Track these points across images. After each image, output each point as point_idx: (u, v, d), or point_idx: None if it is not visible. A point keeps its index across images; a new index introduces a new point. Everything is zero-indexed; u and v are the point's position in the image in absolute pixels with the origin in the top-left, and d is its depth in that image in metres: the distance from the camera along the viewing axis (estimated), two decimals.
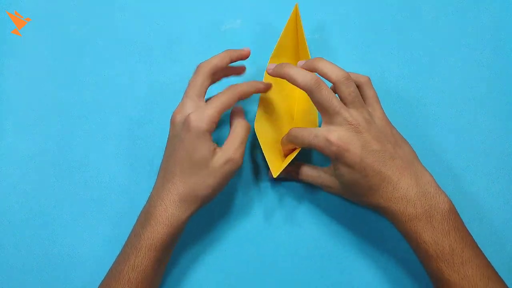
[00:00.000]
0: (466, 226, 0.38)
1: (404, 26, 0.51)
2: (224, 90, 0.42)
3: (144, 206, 0.41)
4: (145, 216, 0.40)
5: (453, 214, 0.37)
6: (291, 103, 0.49)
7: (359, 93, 0.40)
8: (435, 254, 0.36)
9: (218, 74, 0.45)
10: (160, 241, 0.38)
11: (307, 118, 0.47)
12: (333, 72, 0.40)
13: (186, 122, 0.39)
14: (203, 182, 0.40)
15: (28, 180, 0.47)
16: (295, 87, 0.40)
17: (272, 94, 0.47)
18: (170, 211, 0.39)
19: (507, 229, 0.46)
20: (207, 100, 0.42)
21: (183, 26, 0.51)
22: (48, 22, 0.51)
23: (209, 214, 0.46)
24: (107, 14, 0.52)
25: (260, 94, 0.47)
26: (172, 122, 0.42)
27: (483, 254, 0.37)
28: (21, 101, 0.49)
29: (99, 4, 0.52)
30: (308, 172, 0.44)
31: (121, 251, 0.40)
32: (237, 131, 0.42)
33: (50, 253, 0.45)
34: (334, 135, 0.38)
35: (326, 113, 0.39)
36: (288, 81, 0.41)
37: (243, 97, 0.42)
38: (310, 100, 0.40)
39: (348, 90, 0.39)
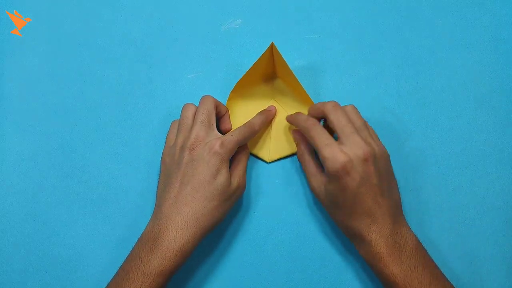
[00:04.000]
0: (434, 261, 0.40)
1: (404, 26, 0.51)
2: (242, 126, 0.44)
3: (151, 228, 0.40)
4: (155, 241, 0.38)
5: (420, 252, 0.40)
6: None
7: (367, 125, 0.43)
8: (404, 286, 0.38)
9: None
10: (170, 269, 0.38)
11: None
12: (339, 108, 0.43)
13: (214, 145, 0.41)
14: (221, 207, 0.41)
15: (28, 180, 0.47)
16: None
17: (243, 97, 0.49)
18: (185, 239, 0.39)
19: (507, 229, 0.46)
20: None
21: (183, 26, 0.51)
22: (48, 22, 0.51)
23: None
24: (107, 14, 0.52)
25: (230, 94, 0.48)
26: (187, 147, 0.41)
27: (450, 286, 0.40)
28: (21, 101, 0.49)
29: (99, 4, 0.52)
30: (308, 161, 0.44)
31: (121, 273, 0.39)
32: (242, 159, 0.45)
33: (50, 253, 0.46)
34: (343, 156, 0.39)
35: (342, 132, 0.41)
36: (316, 112, 0.44)
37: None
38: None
39: (355, 118, 0.42)
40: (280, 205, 0.47)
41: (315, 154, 0.45)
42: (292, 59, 0.50)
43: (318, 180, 0.43)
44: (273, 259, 0.46)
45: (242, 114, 0.48)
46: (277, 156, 0.48)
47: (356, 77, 0.50)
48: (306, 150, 0.45)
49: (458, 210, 0.47)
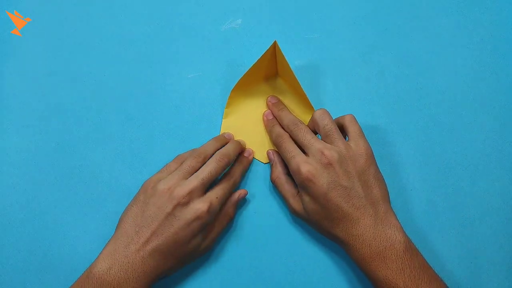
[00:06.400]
0: (426, 262, 0.39)
1: (404, 26, 0.51)
2: (224, 180, 0.44)
3: (108, 269, 0.38)
4: None
5: (409, 253, 0.38)
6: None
7: (335, 127, 0.42)
8: None
9: None
10: None
11: None
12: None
13: (200, 209, 0.40)
14: (182, 264, 0.42)
15: (28, 180, 0.47)
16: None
17: (242, 98, 0.49)
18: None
19: (507, 229, 0.46)
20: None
21: (183, 26, 0.51)
22: (48, 22, 0.51)
23: None
24: (107, 14, 0.52)
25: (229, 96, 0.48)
26: (174, 197, 0.40)
27: (443, 286, 0.39)
28: (21, 101, 0.49)
29: (99, 4, 0.52)
30: (284, 182, 0.45)
31: None
32: (222, 222, 0.44)
33: (50, 253, 0.46)
34: (306, 165, 0.40)
35: (303, 147, 0.42)
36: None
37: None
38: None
39: (323, 123, 0.42)
40: (276, 204, 0.47)
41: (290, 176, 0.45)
42: (292, 59, 0.50)
43: (296, 200, 0.43)
44: (265, 258, 0.46)
45: (243, 113, 0.48)
46: None
47: (356, 77, 0.50)
48: (281, 172, 0.45)
49: (458, 210, 0.47)
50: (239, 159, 0.46)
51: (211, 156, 0.44)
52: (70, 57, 0.50)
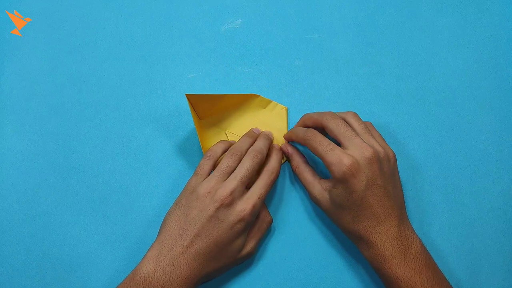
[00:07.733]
0: (438, 266, 0.40)
1: (404, 26, 0.51)
2: (264, 177, 0.43)
3: (154, 270, 0.38)
4: None
5: (425, 255, 0.40)
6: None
7: (367, 127, 0.43)
8: None
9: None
10: None
11: None
12: (339, 114, 0.44)
13: (243, 211, 0.40)
14: (225, 268, 0.42)
15: (28, 180, 0.47)
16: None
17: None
18: None
19: (507, 229, 0.46)
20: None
21: (183, 26, 0.51)
22: (48, 22, 0.51)
23: None
24: (107, 14, 0.52)
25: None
26: (217, 199, 0.40)
27: None
28: (21, 101, 0.49)
29: (99, 4, 0.52)
30: (304, 171, 0.45)
31: None
32: (263, 227, 0.44)
33: (50, 253, 0.46)
34: (349, 157, 0.39)
35: (343, 138, 0.41)
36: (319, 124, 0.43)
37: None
38: None
39: (359, 122, 0.43)
40: (278, 206, 0.47)
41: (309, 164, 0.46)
42: (292, 59, 0.50)
43: (318, 188, 0.43)
44: (273, 259, 0.46)
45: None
46: None
47: (356, 77, 0.50)
48: (300, 161, 0.45)
49: (458, 210, 0.47)
50: (274, 152, 0.46)
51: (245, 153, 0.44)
52: (70, 57, 0.50)
